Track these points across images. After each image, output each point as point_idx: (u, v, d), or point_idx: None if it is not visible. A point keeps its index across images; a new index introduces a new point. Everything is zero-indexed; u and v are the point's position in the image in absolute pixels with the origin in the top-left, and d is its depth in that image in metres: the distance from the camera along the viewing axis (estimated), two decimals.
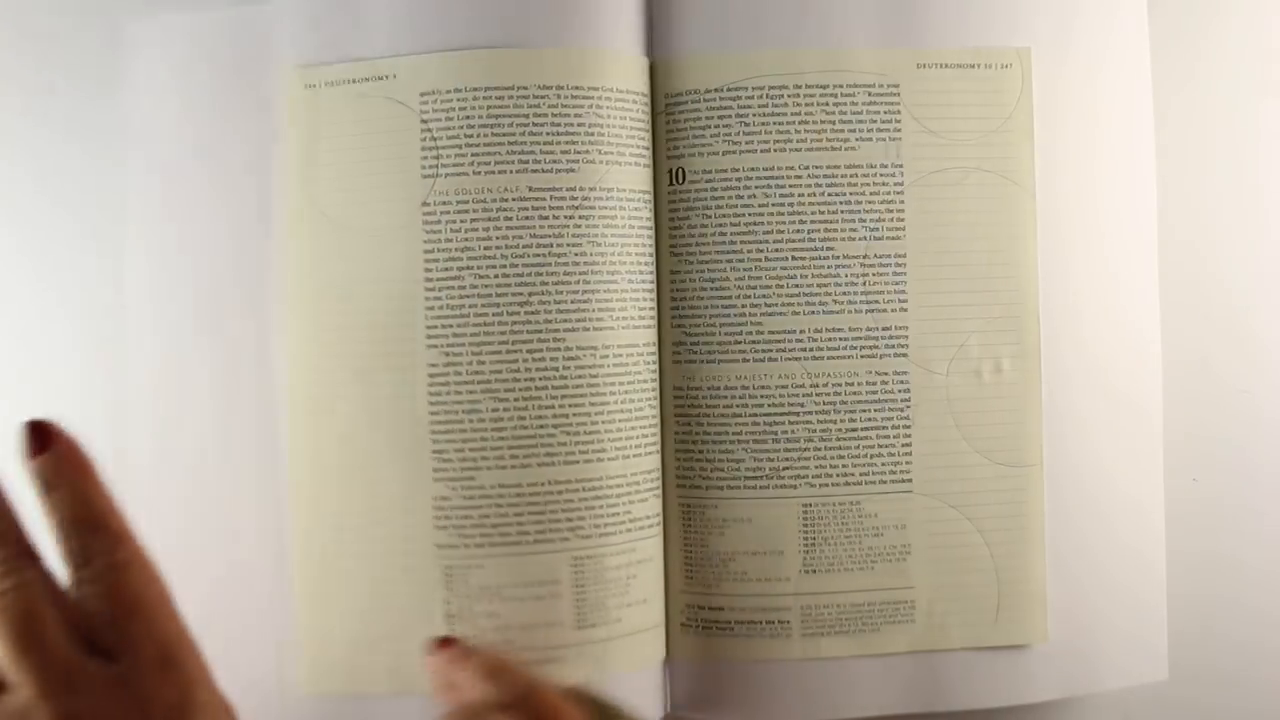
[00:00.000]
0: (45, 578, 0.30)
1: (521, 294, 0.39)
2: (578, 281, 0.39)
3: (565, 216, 0.39)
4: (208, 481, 0.41)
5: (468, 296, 0.39)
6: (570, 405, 0.39)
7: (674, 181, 0.41)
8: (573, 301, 0.39)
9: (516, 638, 0.39)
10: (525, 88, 0.39)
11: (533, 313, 0.39)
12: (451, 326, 0.39)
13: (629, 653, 0.40)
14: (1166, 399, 0.42)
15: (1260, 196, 0.45)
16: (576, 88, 0.39)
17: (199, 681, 0.30)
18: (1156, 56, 0.42)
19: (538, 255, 0.39)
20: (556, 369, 0.39)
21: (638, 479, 0.40)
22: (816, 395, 0.41)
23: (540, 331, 0.39)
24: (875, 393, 0.41)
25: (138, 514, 0.40)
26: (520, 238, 0.39)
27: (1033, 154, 0.41)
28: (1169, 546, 0.42)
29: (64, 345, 0.44)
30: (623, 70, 0.40)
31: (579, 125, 0.39)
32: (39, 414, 0.31)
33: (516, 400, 0.39)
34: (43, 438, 0.31)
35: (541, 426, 0.39)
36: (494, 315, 0.39)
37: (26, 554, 0.30)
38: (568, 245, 0.39)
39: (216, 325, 0.41)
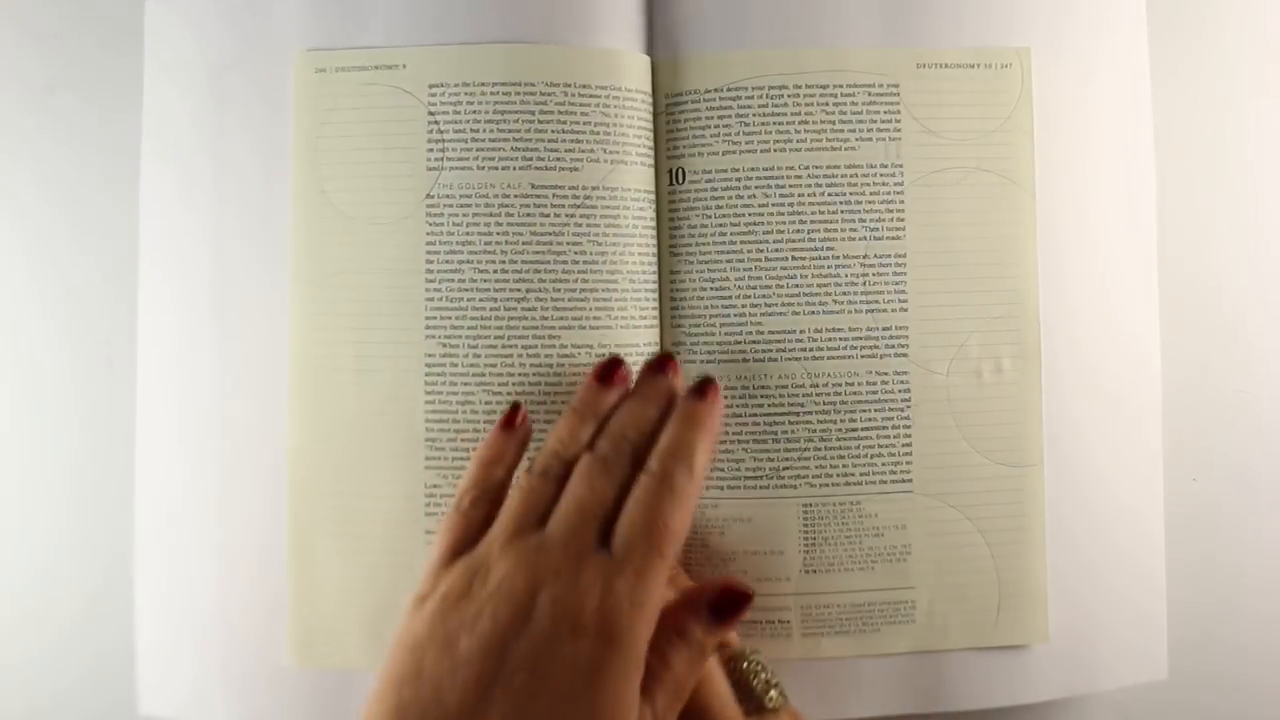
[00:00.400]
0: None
1: (519, 290, 0.39)
2: (575, 280, 0.39)
3: (566, 215, 0.40)
4: (208, 460, 0.41)
5: (466, 290, 0.40)
6: (562, 402, 0.39)
7: (674, 181, 0.41)
8: (570, 300, 0.39)
9: None
10: (533, 84, 0.40)
11: (529, 309, 0.39)
12: (450, 319, 0.40)
13: None
14: (1164, 398, 0.42)
15: (1258, 196, 0.45)
16: (585, 86, 0.40)
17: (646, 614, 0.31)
18: (1155, 56, 0.43)
19: (537, 253, 0.39)
20: (550, 365, 0.39)
21: None
22: (816, 395, 0.40)
23: (536, 328, 0.39)
24: (875, 393, 0.41)
25: (138, 487, 0.41)
26: (520, 234, 0.39)
27: (1032, 154, 0.41)
28: (1168, 546, 0.42)
29: (67, 337, 0.44)
30: (629, 69, 0.40)
31: (585, 124, 0.40)
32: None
33: (510, 394, 0.39)
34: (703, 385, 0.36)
35: (533, 422, 0.39)
36: (491, 310, 0.39)
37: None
38: (567, 244, 0.39)
39: (221, 307, 0.41)
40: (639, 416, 0.36)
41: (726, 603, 0.33)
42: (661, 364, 0.38)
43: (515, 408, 0.38)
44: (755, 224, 0.40)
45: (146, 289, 0.41)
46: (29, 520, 0.43)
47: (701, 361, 0.41)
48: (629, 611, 0.30)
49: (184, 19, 0.42)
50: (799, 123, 0.41)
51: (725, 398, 0.40)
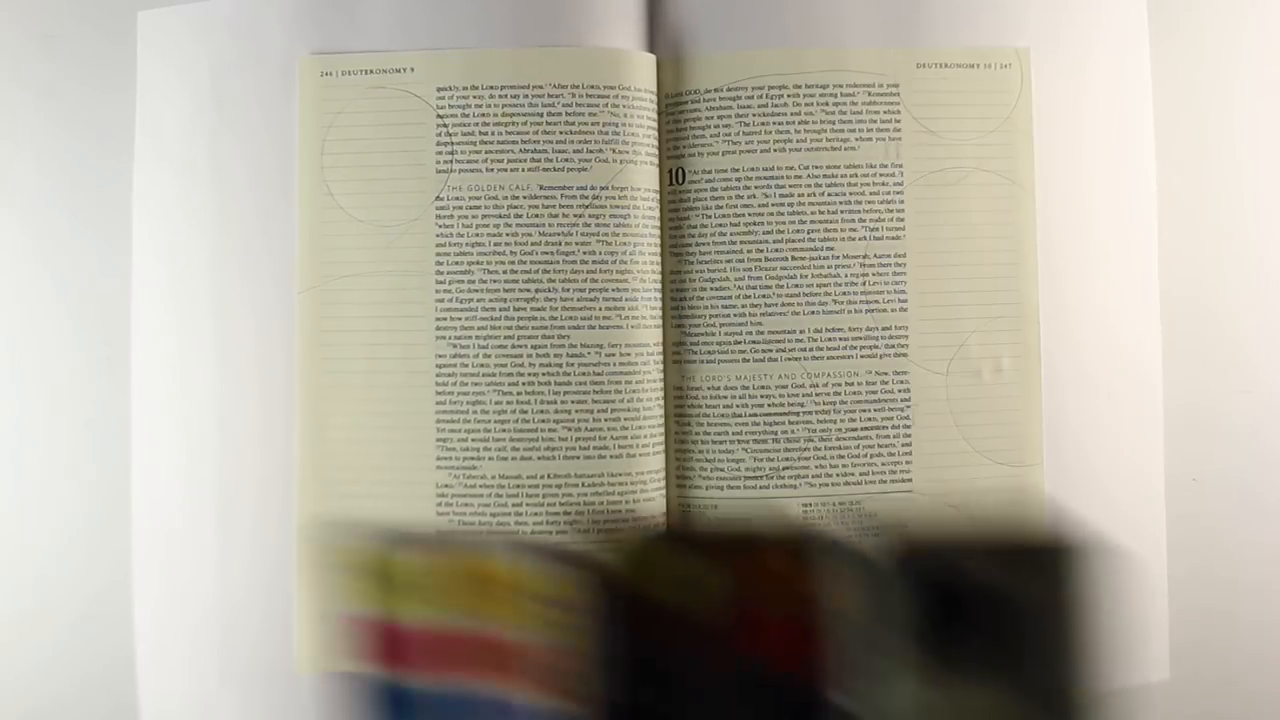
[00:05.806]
0: None
1: (528, 291, 0.40)
2: (584, 280, 0.40)
3: (574, 215, 0.40)
4: (214, 462, 0.41)
5: (476, 291, 0.40)
6: (572, 402, 0.40)
7: (674, 181, 0.41)
8: (579, 300, 0.40)
9: None
10: (540, 87, 0.40)
11: (538, 309, 0.40)
12: (460, 319, 0.40)
13: None
14: (1165, 398, 0.42)
15: (1261, 195, 0.44)
16: (592, 87, 0.40)
17: None
18: (1155, 55, 0.42)
19: (545, 253, 0.40)
20: (560, 365, 0.40)
21: (643, 478, 0.40)
22: (816, 395, 0.41)
23: (545, 328, 0.40)
24: (875, 392, 0.41)
25: (133, 491, 0.41)
26: (530, 235, 0.40)
27: (1032, 154, 0.41)
28: (1168, 547, 0.41)
29: (68, 337, 0.44)
30: (636, 69, 0.41)
31: (593, 124, 0.40)
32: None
33: (520, 394, 0.40)
34: None
35: (543, 421, 0.40)
36: (501, 310, 0.40)
37: None
38: (576, 244, 0.40)
39: (220, 313, 0.41)
40: None
41: None
42: None
43: None
44: (755, 224, 0.41)
45: (141, 298, 0.42)
46: (29, 523, 0.43)
47: (702, 361, 0.41)
48: None
49: (179, 26, 0.42)
50: (799, 123, 0.41)
51: (725, 397, 0.41)
